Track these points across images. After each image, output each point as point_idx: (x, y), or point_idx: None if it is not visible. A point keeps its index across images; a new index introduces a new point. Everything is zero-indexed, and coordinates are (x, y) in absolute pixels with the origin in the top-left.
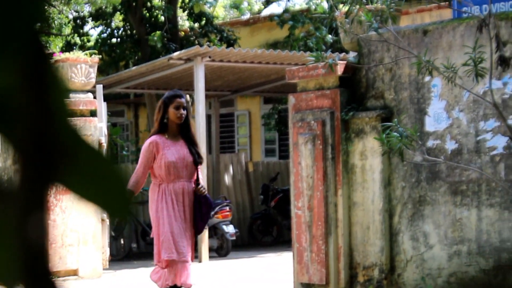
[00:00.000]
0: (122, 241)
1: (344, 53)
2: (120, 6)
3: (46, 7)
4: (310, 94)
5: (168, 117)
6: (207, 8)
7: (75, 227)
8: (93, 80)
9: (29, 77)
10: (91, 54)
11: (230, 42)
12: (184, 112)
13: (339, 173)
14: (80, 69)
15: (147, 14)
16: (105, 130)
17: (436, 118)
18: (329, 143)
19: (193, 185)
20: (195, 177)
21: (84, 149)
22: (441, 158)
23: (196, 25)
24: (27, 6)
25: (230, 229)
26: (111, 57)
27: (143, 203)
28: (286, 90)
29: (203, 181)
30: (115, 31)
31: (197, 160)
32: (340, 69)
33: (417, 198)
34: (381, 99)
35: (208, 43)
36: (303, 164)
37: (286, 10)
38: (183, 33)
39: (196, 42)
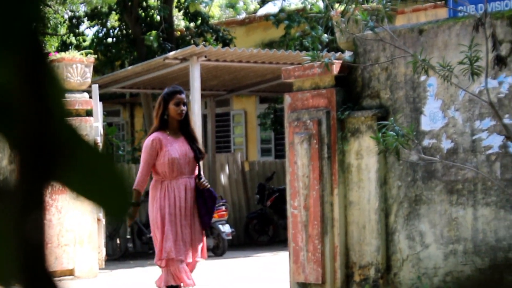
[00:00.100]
0: (118, 241)
1: (339, 53)
2: (115, 6)
3: (42, 6)
4: (306, 93)
5: (169, 114)
6: (202, 8)
7: (71, 227)
8: (89, 80)
9: (27, 76)
10: (86, 54)
11: (226, 42)
12: (185, 108)
13: (335, 172)
14: (75, 68)
15: (143, 13)
16: (101, 130)
17: (432, 117)
18: (325, 143)
19: (194, 181)
20: (196, 172)
21: (83, 147)
22: (437, 157)
23: (192, 24)
24: (25, 6)
25: (226, 228)
26: (107, 57)
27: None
28: (282, 89)
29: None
30: (111, 30)
31: (198, 156)
32: (336, 69)
33: (413, 197)
34: (377, 98)
35: (203, 42)
36: (299, 163)
37: (281, 10)
38: (178, 32)
39: (192, 41)
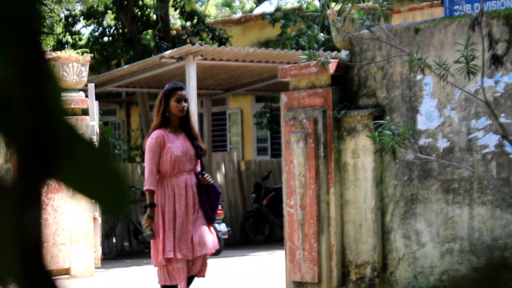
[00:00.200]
0: (114, 240)
1: (336, 52)
2: (111, 5)
3: (39, 5)
4: (302, 92)
5: (170, 110)
6: (198, 7)
7: (67, 226)
8: (85, 79)
9: (25, 74)
10: (82, 53)
11: (222, 41)
12: (186, 104)
13: (331, 171)
14: (72, 67)
15: (139, 12)
16: (97, 129)
17: (428, 116)
18: (321, 142)
19: (194, 177)
20: (197, 169)
21: (80, 145)
22: (433, 156)
23: (188, 23)
24: (23, 4)
25: (222, 227)
26: (103, 56)
27: (135, 202)
28: (278, 88)
29: None
30: (107, 29)
31: (199, 153)
32: (332, 68)
33: (409, 196)
34: (373, 97)
35: (200, 41)
36: (295, 162)
37: (278, 9)
38: (175, 31)
39: (188, 40)
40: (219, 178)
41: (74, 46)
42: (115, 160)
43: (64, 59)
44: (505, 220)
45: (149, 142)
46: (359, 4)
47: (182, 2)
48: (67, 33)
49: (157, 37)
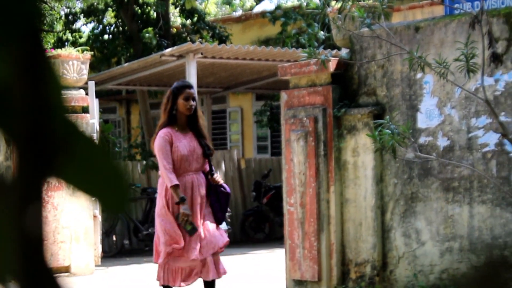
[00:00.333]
0: (114, 238)
1: (336, 50)
2: (112, 3)
3: (40, 3)
4: (302, 90)
5: (177, 109)
6: (198, 5)
7: (67, 224)
8: (85, 77)
9: (26, 71)
10: (83, 51)
11: (222, 39)
12: (194, 103)
13: (331, 169)
14: (72, 65)
15: (139, 10)
16: (97, 127)
17: (428, 115)
18: (321, 140)
19: (203, 177)
20: (205, 168)
21: (81, 142)
22: (433, 155)
23: (188, 21)
24: (23, 2)
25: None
26: (103, 54)
27: (135, 200)
28: (278, 86)
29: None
30: (107, 27)
31: (206, 152)
32: (332, 66)
33: (409, 194)
34: (373, 95)
35: (200, 39)
36: (295, 160)
37: (278, 7)
38: (175, 29)
39: (188, 38)
40: (219, 176)
41: (74, 44)
42: (115, 158)
43: (64, 57)
44: (505, 219)
45: (158, 142)
46: (359, 2)
47: (182, 0)
48: (67, 31)
49: (157, 35)
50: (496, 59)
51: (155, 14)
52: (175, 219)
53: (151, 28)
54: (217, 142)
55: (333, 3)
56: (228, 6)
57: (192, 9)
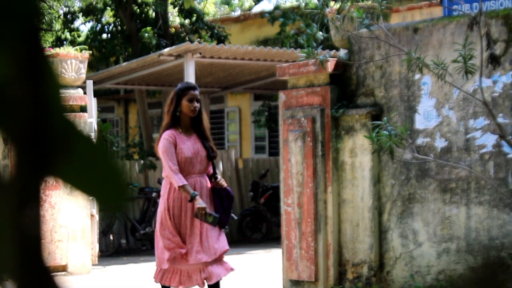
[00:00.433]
0: (111, 237)
1: (334, 50)
2: (110, 2)
3: (39, 2)
4: (301, 91)
5: (181, 110)
6: (197, 5)
7: (64, 223)
8: (83, 76)
9: (25, 70)
10: (81, 50)
11: (221, 39)
12: (198, 105)
13: (329, 170)
14: (70, 64)
15: (138, 10)
16: (95, 126)
17: (426, 116)
18: (319, 140)
19: (207, 179)
20: (208, 171)
21: (80, 142)
22: (431, 156)
23: (187, 21)
24: (23, 1)
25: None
26: (102, 53)
27: (132, 200)
28: (276, 87)
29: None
30: (106, 26)
31: (211, 155)
32: (330, 66)
33: (407, 195)
34: (371, 96)
35: (198, 39)
36: (293, 161)
37: (277, 7)
38: (173, 29)
39: (187, 38)
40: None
41: (73, 43)
42: (114, 157)
43: (63, 56)
44: (502, 220)
45: (162, 144)
46: (358, 3)
47: (181, 0)
48: (66, 30)
49: (155, 35)
50: (494, 61)
51: (153, 14)
52: (174, 225)
53: (150, 27)
54: (215, 142)
55: (331, 3)
56: (226, 6)
57: (191, 8)
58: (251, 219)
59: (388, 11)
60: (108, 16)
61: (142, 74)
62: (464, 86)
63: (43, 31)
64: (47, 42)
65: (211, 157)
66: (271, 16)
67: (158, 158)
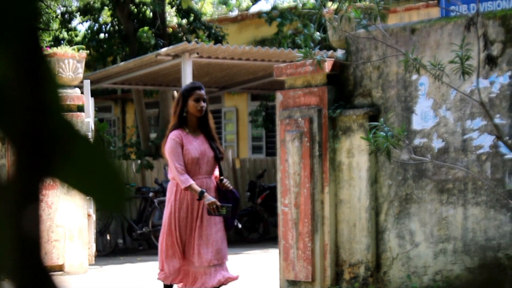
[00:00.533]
0: (108, 237)
1: (332, 51)
2: (108, 2)
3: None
4: (298, 91)
5: (188, 110)
6: (195, 5)
7: (61, 223)
8: (81, 75)
9: (24, 71)
10: (78, 49)
11: (218, 39)
12: (205, 104)
13: (326, 170)
14: (67, 64)
15: (135, 10)
16: (92, 126)
17: (423, 117)
18: (316, 141)
19: (214, 181)
20: (215, 172)
21: (79, 142)
22: (428, 157)
23: (184, 21)
24: (22, 1)
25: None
26: (99, 53)
27: (130, 199)
28: (273, 87)
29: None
30: (103, 26)
31: (218, 156)
32: (328, 67)
33: (404, 196)
34: (369, 97)
35: (196, 39)
36: (290, 161)
37: (274, 7)
38: (171, 29)
39: (184, 38)
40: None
41: (70, 43)
42: (112, 157)
43: (60, 56)
44: (499, 221)
45: (169, 144)
46: (355, 3)
47: (179, 0)
48: (63, 29)
49: (153, 34)
50: (491, 62)
51: (151, 14)
52: (180, 235)
53: (148, 27)
54: None
55: (329, 4)
56: (224, 6)
57: (189, 8)
58: (248, 219)
59: (385, 12)
60: (105, 16)
61: (140, 74)
62: (461, 87)
63: (41, 31)
64: (45, 42)
65: (218, 158)
66: (268, 16)
67: (155, 158)
